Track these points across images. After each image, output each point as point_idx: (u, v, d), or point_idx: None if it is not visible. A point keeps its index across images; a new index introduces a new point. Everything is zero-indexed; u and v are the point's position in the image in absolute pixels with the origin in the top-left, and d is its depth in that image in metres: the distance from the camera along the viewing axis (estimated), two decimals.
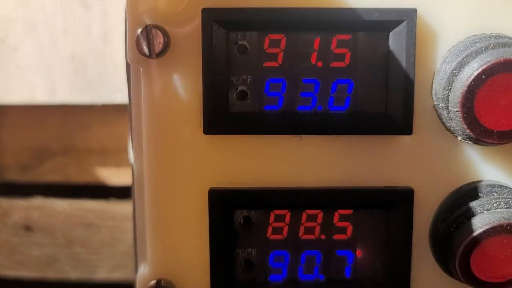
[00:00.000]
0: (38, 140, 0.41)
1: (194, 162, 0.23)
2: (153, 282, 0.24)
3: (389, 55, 0.23)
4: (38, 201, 0.42)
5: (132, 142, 0.25)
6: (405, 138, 0.23)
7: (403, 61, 0.22)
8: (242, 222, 0.24)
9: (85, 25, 0.38)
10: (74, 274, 0.42)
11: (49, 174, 0.42)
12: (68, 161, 0.42)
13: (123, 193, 0.42)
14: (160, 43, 0.22)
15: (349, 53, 0.23)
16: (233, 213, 0.24)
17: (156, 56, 0.22)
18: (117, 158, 0.41)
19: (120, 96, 0.38)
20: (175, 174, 0.23)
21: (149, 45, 0.22)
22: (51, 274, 0.42)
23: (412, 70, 0.23)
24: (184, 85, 0.23)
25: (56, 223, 0.42)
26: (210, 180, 0.23)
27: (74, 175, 0.42)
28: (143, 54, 0.22)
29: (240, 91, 0.23)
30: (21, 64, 0.38)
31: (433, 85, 0.23)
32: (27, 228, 0.42)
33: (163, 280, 0.24)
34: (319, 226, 0.24)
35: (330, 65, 0.23)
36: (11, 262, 0.42)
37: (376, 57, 0.23)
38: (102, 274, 0.42)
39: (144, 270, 0.24)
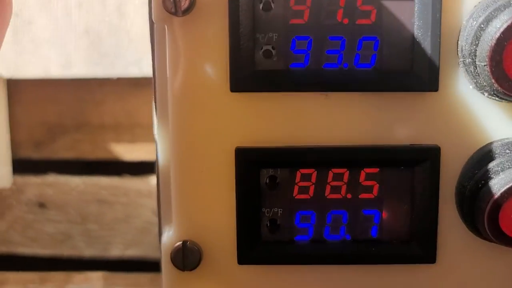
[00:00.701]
0: (51, 116, 0.41)
1: (220, 121, 0.23)
2: (178, 243, 0.24)
3: (415, 12, 0.23)
4: (52, 178, 0.42)
5: (156, 104, 0.25)
6: (431, 95, 0.23)
7: (429, 17, 0.22)
8: (268, 181, 0.24)
9: None
10: (88, 251, 0.42)
11: (63, 150, 0.42)
12: (81, 137, 0.41)
13: (137, 169, 0.41)
14: (186, 0, 0.22)
15: (375, 10, 0.23)
16: (259, 173, 0.24)
17: (182, 14, 0.22)
18: (131, 134, 0.41)
19: (135, 69, 0.38)
20: (201, 133, 0.23)
21: (175, 2, 0.22)
22: (65, 251, 0.42)
23: (438, 27, 0.22)
24: (210, 43, 0.23)
25: (70, 200, 0.42)
26: (236, 139, 0.23)
27: (88, 152, 0.42)
28: (169, 12, 0.22)
29: (266, 49, 0.23)
30: (35, 38, 0.38)
31: (459, 42, 0.23)
32: (41, 205, 0.42)
33: (188, 241, 0.24)
34: (345, 185, 0.24)
35: (356, 22, 0.23)
36: (25, 239, 0.42)
37: (402, 13, 0.23)
38: (116, 251, 0.42)
39: (169, 233, 0.24)
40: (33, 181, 0.42)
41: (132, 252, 0.42)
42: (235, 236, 0.24)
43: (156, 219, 0.41)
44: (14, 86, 0.40)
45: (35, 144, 0.42)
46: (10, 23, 0.39)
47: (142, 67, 0.38)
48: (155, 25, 0.24)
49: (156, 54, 0.24)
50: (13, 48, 0.38)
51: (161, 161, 0.25)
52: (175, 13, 0.22)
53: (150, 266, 0.42)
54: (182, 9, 0.22)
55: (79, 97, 0.41)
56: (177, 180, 0.24)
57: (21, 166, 0.42)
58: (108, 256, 0.42)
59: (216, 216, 0.24)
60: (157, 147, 0.25)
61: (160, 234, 0.26)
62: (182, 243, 0.24)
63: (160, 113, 0.24)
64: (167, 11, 0.22)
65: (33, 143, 0.42)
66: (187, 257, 0.24)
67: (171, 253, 0.24)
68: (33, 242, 0.43)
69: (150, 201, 0.42)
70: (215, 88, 0.23)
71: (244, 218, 0.24)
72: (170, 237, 0.24)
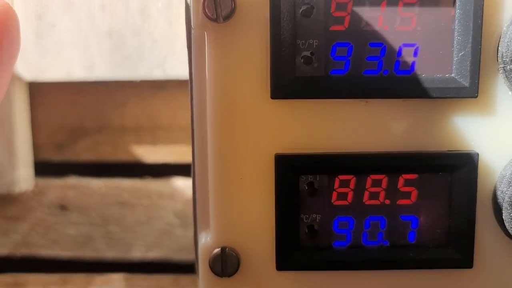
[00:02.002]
0: (73, 118, 0.41)
1: (260, 128, 0.23)
2: (217, 250, 0.24)
3: (455, 18, 0.23)
4: (73, 180, 0.42)
5: (192, 109, 0.25)
6: (470, 102, 0.23)
7: (470, 23, 0.22)
8: (307, 187, 0.24)
9: (123, 0, 0.37)
10: (109, 253, 0.42)
11: (84, 152, 0.42)
12: (102, 140, 0.41)
13: (158, 171, 0.42)
14: (228, 7, 0.22)
15: (415, 16, 0.23)
16: (298, 179, 0.24)
17: (223, 20, 0.22)
18: (153, 136, 0.41)
19: (158, 71, 0.38)
20: (241, 140, 0.23)
21: (216, 8, 0.22)
22: (87, 253, 0.42)
23: (479, 33, 0.22)
24: (250, 50, 0.23)
25: (91, 202, 0.42)
26: (275, 146, 0.23)
27: (109, 154, 0.42)
28: (210, 18, 0.22)
29: (306, 55, 0.23)
30: (59, 41, 0.38)
31: (499, 48, 0.23)
32: (63, 208, 0.42)
33: (227, 248, 0.24)
34: (383, 191, 0.24)
35: (396, 29, 0.23)
36: (47, 241, 0.42)
37: (442, 20, 0.23)
38: (137, 253, 0.42)
39: (207, 239, 0.24)
40: (54, 183, 0.42)
41: (153, 254, 0.42)
42: (273, 242, 0.24)
43: (177, 221, 0.42)
44: (36, 89, 0.40)
45: (57, 146, 0.42)
46: (34, 26, 0.39)
47: (166, 69, 0.38)
48: (193, 31, 0.24)
49: (194, 60, 0.24)
50: (36, 50, 0.38)
51: (198, 167, 0.25)
52: (215, 20, 0.22)
53: (171, 267, 0.42)
54: (223, 15, 0.22)
55: (100, 100, 0.41)
56: (216, 186, 0.24)
57: (42, 168, 0.42)
58: (130, 258, 0.42)
59: (254, 222, 0.24)
60: (193, 152, 0.25)
61: (195, 239, 0.26)
62: (221, 249, 0.24)
63: (197, 119, 0.24)
64: (208, 17, 0.22)
65: (54, 145, 0.42)
66: (226, 263, 0.24)
67: (209, 260, 0.24)
68: (54, 244, 0.43)
69: (171, 203, 0.42)
70: (255, 95, 0.23)
71: (283, 224, 0.24)
72: (208, 243, 0.24)
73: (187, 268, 0.41)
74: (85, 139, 0.42)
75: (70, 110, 0.41)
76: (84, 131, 0.42)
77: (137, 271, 0.43)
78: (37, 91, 0.41)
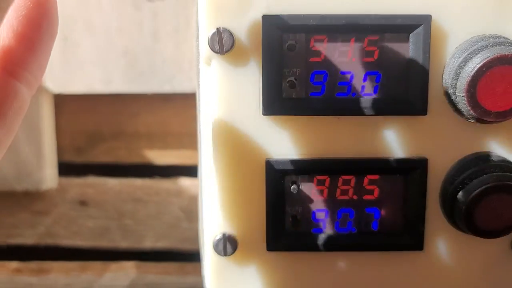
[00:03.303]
0: (92, 125, 0.46)
1: (254, 138, 0.29)
2: (220, 235, 0.29)
3: (409, 52, 0.28)
4: (92, 180, 0.47)
5: (199, 122, 0.30)
6: (421, 118, 0.29)
7: (420, 56, 0.28)
8: (291, 185, 0.30)
9: (137, 24, 0.42)
10: (123, 243, 0.47)
11: (102, 155, 0.46)
12: (118, 145, 0.46)
13: (167, 172, 0.46)
14: (228, 43, 0.28)
15: (378, 50, 0.28)
16: (284, 179, 0.29)
17: (225, 53, 0.28)
18: (163, 141, 0.46)
19: (167, 86, 0.43)
20: (238, 147, 0.29)
21: (220, 44, 0.28)
22: (103, 243, 0.47)
23: (427, 64, 0.28)
24: (246, 76, 0.28)
25: (108, 199, 0.47)
26: (266, 152, 0.29)
27: (124, 157, 0.46)
28: (215, 51, 0.28)
29: (291, 80, 0.29)
30: (81, 58, 0.43)
31: (443, 76, 0.29)
32: (83, 203, 0.47)
33: (227, 233, 0.30)
34: (352, 189, 0.29)
35: (362, 60, 0.28)
36: (69, 233, 0.47)
37: (398, 53, 0.28)
38: (148, 243, 0.47)
39: (211, 226, 0.30)
40: (75, 182, 0.47)
41: (162, 244, 0.47)
42: (264, 229, 0.29)
43: (183, 215, 0.47)
44: (61, 100, 0.45)
45: (78, 150, 0.47)
46: (61, 45, 0.44)
47: (174, 84, 0.43)
48: (201, 61, 0.29)
49: (201, 83, 0.30)
50: (61, 67, 0.43)
51: (204, 170, 0.30)
52: (219, 52, 0.28)
53: (178, 256, 0.47)
54: (225, 49, 0.28)
55: (117, 110, 0.46)
56: (220, 185, 0.29)
57: (65, 169, 0.47)
58: (141, 248, 0.47)
59: (249, 213, 0.29)
60: (200, 158, 0.31)
61: (200, 230, 0.31)
62: (222, 234, 0.29)
63: (204, 131, 0.30)
64: (213, 50, 0.28)
65: (75, 149, 0.47)
66: (226, 245, 0.29)
67: (213, 242, 0.30)
68: (75, 235, 0.47)
69: (178, 200, 0.47)
70: (250, 111, 0.28)
71: (272, 214, 0.29)
72: (212, 230, 0.30)
73: (192, 257, 0.46)
74: (103, 143, 0.47)
75: (90, 118, 0.46)
76: (102, 136, 0.46)
77: (147, 260, 0.47)
78: (62, 102, 0.46)
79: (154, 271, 0.47)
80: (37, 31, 0.21)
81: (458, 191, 0.28)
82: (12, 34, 0.21)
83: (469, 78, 0.27)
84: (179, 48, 0.43)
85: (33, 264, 0.47)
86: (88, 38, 0.43)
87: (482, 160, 0.29)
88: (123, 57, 0.43)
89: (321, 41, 0.28)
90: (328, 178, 0.29)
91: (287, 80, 0.28)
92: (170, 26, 0.42)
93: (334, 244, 0.30)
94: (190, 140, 0.45)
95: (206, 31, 0.28)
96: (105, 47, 0.43)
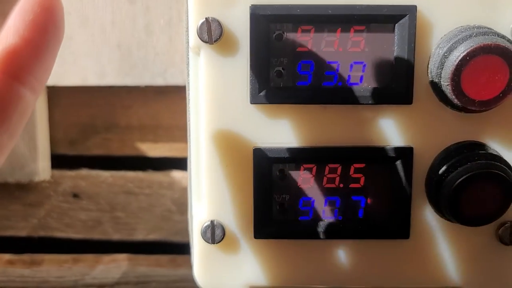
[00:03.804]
0: (85, 118, 0.46)
1: (242, 127, 0.29)
2: (208, 222, 0.30)
3: (395, 42, 0.29)
4: (85, 172, 0.47)
5: (189, 111, 0.31)
6: (406, 107, 0.29)
7: (405, 46, 0.28)
8: (278, 173, 0.30)
9: (130, 18, 0.43)
10: (115, 236, 0.48)
11: (94, 148, 0.46)
12: (111, 137, 0.46)
13: (159, 164, 0.47)
14: (217, 32, 0.28)
15: (363, 40, 0.29)
16: (271, 167, 0.30)
17: (214, 42, 0.28)
18: (154, 134, 0.46)
19: (160, 79, 0.44)
20: (227, 136, 0.29)
21: (208, 33, 0.28)
22: (95, 235, 0.48)
23: (412, 54, 0.28)
24: (234, 65, 0.29)
25: (100, 191, 0.47)
26: (254, 141, 0.29)
27: (116, 149, 0.46)
28: (203, 41, 0.28)
29: (278, 70, 0.29)
30: (75, 51, 0.43)
31: (429, 65, 0.29)
32: (75, 196, 0.47)
33: (215, 220, 0.30)
34: (338, 177, 0.30)
35: (349, 50, 0.29)
36: (61, 225, 0.47)
37: (384, 43, 0.29)
38: (140, 236, 0.48)
39: (199, 214, 0.30)
40: (68, 174, 0.47)
41: (153, 236, 0.48)
42: (252, 217, 0.30)
43: (175, 208, 0.47)
44: (54, 92, 0.45)
45: (71, 142, 0.47)
46: None
47: (166, 77, 0.44)
48: (190, 50, 0.30)
49: (191, 72, 0.30)
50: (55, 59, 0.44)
51: (193, 159, 0.31)
52: (208, 42, 0.28)
53: (169, 248, 0.47)
54: (214, 38, 0.28)
55: (110, 102, 0.46)
56: (208, 173, 0.30)
57: (58, 161, 0.47)
58: (133, 240, 0.47)
59: (237, 201, 0.30)
60: (189, 147, 0.31)
61: (188, 218, 0.32)
62: (211, 221, 0.30)
63: (193, 119, 0.30)
64: (202, 40, 0.28)
65: (68, 141, 0.47)
66: (214, 232, 0.30)
67: (201, 230, 0.30)
68: (67, 228, 0.48)
69: (170, 192, 0.47)
70: (238, 100, 0.29)
71: (260, 202, 0.29)
72: (200, 217, 0.30)
73: (183, 249, 0.46)
74: (95, 136, 0.47)
75: (83, 111, 0.46)
76: (95, 129, 0.47)
77: (139, 252, 0.48)
78: (55, 95, 0.46)
79: (146, 263, 0.47)
80: (43, 36, 0.21)
81: (443, 180, 0.29)
82: (18, 39, 0.21)
83: (454, 67, 0.27)
84: (171, 42, 0.43)
85: (26, 256, 0.48)
86: (82, 31, 0.43)
87: (467, 149, 0.29)
88: (117, 50, 0.43)
89: (308, 31, 0.29)
90: (315, 167, 0.30)
91: (274, 70, 0.29)
92: (163, 19, 0.43)
93: (321, 232, 0.30)
94: (182, 133, 0.45)
95: (195, 20, 0.28)
96: (98, 40, 0.43)
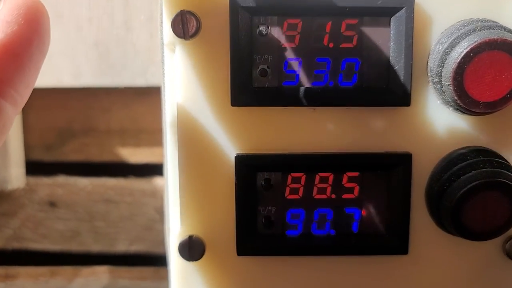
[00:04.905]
0: (62, 122, 0.44)
1: (222, 131, 0.27)
2: (185, 237, 0.27)
3: (391, 37, 0.26)
4: (62, 179, 0.45)
5: (165, 115, 0.28)
6: (404, 109, 0.27)
7: (402, 42, 0.26)
8: (263, 183, 0.27)
9: (108, 14, 0.40)
10: (95, 247, 0.45)
11: (72, 153, 0.45)
12: (89, 141, 0.44)
13: (141, 171, 0.45)
14: (193, 27, 0.25)
15: (356, 35, 0.26)
16: (255, 176, 0.27)
17: (190, 38, 0.26)
18: (136, 138, 0.44)
19: (140, 79, 0.41)
20: (206, 142, 0.27)
21: (183, 28, 0.25)
22: (74, 246, 0.45)
23: (410, 50, 0.26)
24: (213, 63, 0.26)
25: (79, 199, 0.45)
26: (236, 147, 0.27)
27: (95, 155, 0.45)
28: (178, 36, 0.26)
29: (262, 68, 0.26)
30: (49, 50, 0.41)
31: (428, 63, 0.27)
32: (52, 204, 0.45)
33: (194, 236, 0.27)
34: (330, 187, 0.27)
35: (340, 46, 0.26)
36: (37, 236, 0.45)
37: (379, 38, 0.26)
38: (121, 247, 0.45)
39: (176, 229, 0.28)
40: (44, 181, 0.45)
41: (136, 247, 0.46)
42: (234, 231, 0.27)
43: (158, 217, 0.45)
44: None
45: (47, 147, 0.45)
46: None
47: (148, 77, 0.41)
48: (165, 47, 0.27)
49: (166, 72, 0.27)
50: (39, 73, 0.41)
51: (170, 166, 0.28)
52: (183, 37, 0.26)
53: (153, 260, 0.46)
54: (190, 34, 0.26)
55: (88, 104, 0.44)
56: (184, 182, 0.27)
57: (33, 167, 0.45)
58: (114, 251, 0.46)
59: (218, 214, 0.27)
60: (165, 153, 0.28)
61: (166, 231, 0.29)
62: (188, 237, 0.27)
63: (169, 124, 0.28)
64: (177, 35, 0.26)
65: (44, 146, 0.45)
66: (193, 249, 0.27)
67: (178, 246, 0.27)
68: (44, 239, 0.46)
69: (153, 201, 0.45)
70: (218, 102, 0.26)
71: (243, 215, 0.27)
72: (178, 232, 0.28)
73: (167, 261, 0.45)
74: (73, 141, 0.45)
75: (59, 114, 0.45)
76: (72, 133, 0.45)
77: (121, 264, 0.46)
78: (30, 96, 0.44)
79: (128, 276, 0.45)
80: (27, 48, 0.21)
81: (445, 189, 0.26)
82: None
83: (455, 65, 0.25)
84: (153, 39, 0.41)
85: None
86: (56, 28, 0.41)
87: (470, 155, 0.27)
88: (94, 48, 0.41)
89: (295, 25, 0.26)
90: (304, 175, 0.27)
91: (258, 68, 0.26)
92: (143, 15, 0.40)
93: (311, 248, 0.28)
94: None
95: (170, 14, 0.26)
96: (74, 38, 0.41)
